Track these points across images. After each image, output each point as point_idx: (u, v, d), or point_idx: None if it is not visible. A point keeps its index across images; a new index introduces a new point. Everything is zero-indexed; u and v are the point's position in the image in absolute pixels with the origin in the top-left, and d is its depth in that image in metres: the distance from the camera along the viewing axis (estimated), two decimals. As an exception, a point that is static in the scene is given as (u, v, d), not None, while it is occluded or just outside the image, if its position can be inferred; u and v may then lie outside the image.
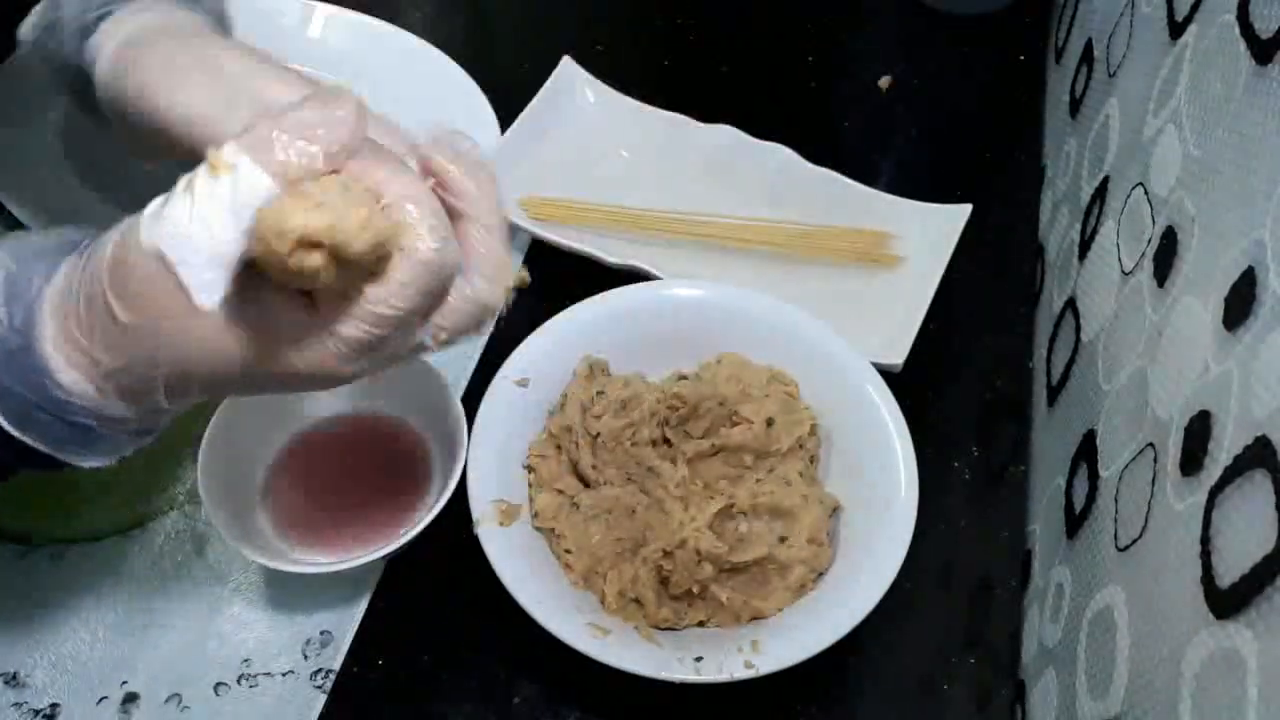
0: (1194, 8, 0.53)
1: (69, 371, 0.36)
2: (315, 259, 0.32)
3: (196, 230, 0.33)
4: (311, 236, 0.31)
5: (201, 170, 0.33)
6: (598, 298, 0.60)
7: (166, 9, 0.46)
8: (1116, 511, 0.49)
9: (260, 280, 0.34)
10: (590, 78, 0.77)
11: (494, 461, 0.55)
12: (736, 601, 0.53)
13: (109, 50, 0.44)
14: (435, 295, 0.36)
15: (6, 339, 0.36)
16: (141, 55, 0.43)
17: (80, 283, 0.35)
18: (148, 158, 0.46)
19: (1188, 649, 0.39)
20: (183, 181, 0.33)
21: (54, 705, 0.52)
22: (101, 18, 0.45)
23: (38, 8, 0.48)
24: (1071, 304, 0.63)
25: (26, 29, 0.48)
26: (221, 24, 0.49)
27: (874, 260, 0.70)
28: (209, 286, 0.34)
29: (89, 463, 0.39)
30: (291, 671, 0.54)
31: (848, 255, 0.70)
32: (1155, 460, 0.45)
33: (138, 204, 0.41)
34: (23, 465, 0.38)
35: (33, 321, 0.36)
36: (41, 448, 0.37)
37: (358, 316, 0.35)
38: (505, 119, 0.74)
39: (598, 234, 0.69)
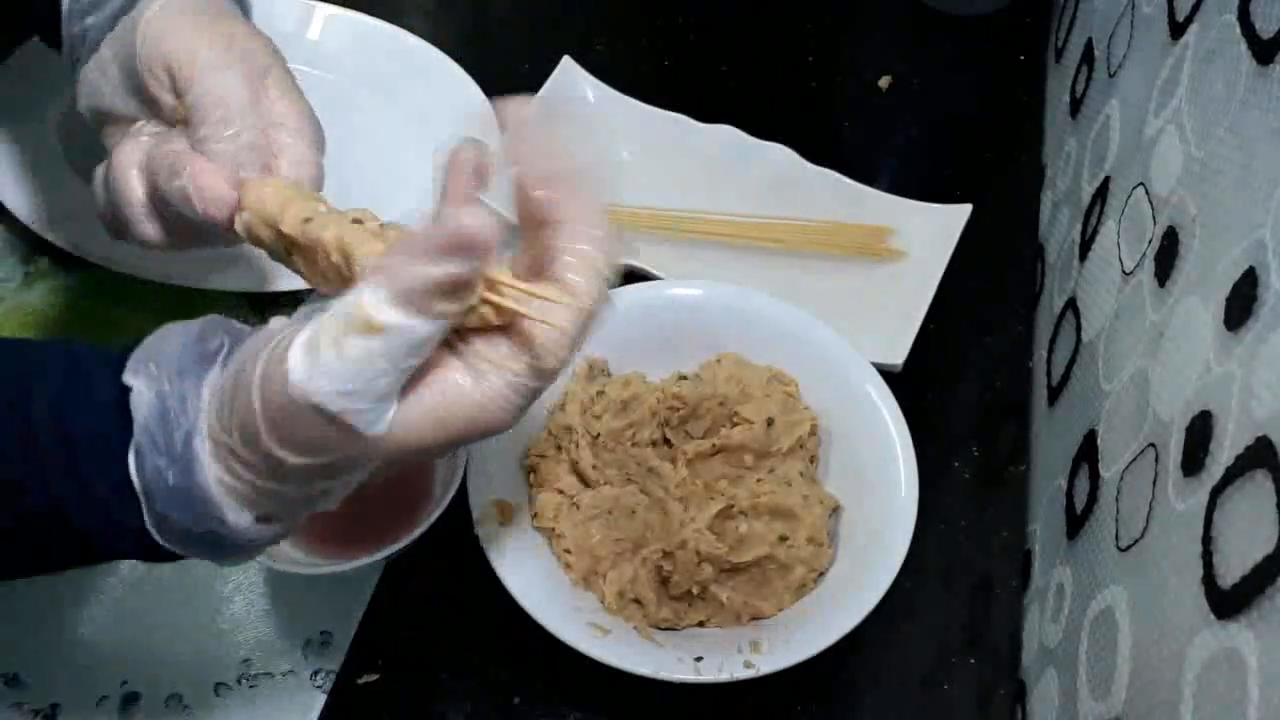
0: (1194, 8, 0.53)
1: (233, 508, 0.35)
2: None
3: (356, 386, 0.32)
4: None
5: (353, 330, 0.31)
6: (598, 298, 0.60)
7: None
8: (1117, 512, 0.49)
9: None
10: (590, 78, 0.77)
11: (494, 461, 0.55)
12: (737, 601, 0.53)
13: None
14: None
15: (165, 472, 0.34)
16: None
17: (233, 421, 0.34)
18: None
19: (1189, 649, 0.39)
20: (329, 326, 0.32)
21: (54, 705, 0.52)
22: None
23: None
24: (1072, 304, 0.63)
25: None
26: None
27: (874, 255, 0.70)
28: (374, 421, 0.33)
29: (226, 565, 0.40)
30: (291, 671, 0.53)
31: (847, 250, 0.70)
32: (1156, 460, 0.45)
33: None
34: (142, 558, 0.38)
35: (193, 453, 0.34)
36: (189, 554, 0.37)
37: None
38: (505, 119, 0.74)
39: (598, 234, 0.69)
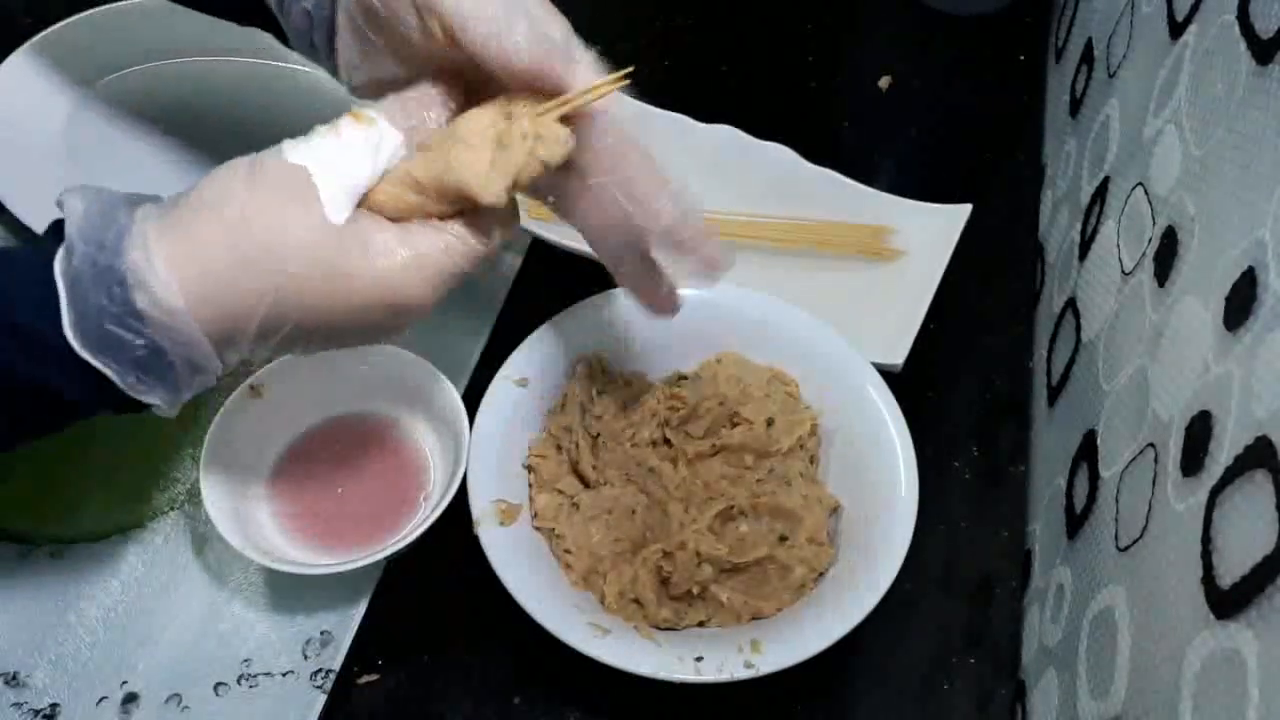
0: (1194, 8, 0.53)
1: (166, 278, 0.37)
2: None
3: (338, 158, 0.40)
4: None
5: (346, 119, 0.41)
6: (598, 298, 0.60)
7: None
8: (1117, 512, 0.49)
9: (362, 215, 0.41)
10: (590, 78, 0.77)
11: (494, 461, 0.55)
12: (737, 601, 0.53)
13: None
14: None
15: (94, 256, 0.37)
16: None
17: (203, 193, 0.39)
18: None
19: (1188, 649, 0.39)
20: (326, 127, 0.41)
21: (54, 705, 0.52)
22: None
23: None
24: (1072, 304, 0.63)
25: None
26: None
27: (874, 254, 0.70)
28: (336, 205, 0.40)
29: (153, 399, 0.40)
30: (291, 671, 0.53)
31: (847, 250, 0.70)
32: (1156, 460, 0.45)
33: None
34: (94, 401, 0.39)
35: (125, 234, 0.38)
36: (111, 372, 0.38)
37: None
38: (505, 119, 0.74)
39: (598, 234, 0.69)
